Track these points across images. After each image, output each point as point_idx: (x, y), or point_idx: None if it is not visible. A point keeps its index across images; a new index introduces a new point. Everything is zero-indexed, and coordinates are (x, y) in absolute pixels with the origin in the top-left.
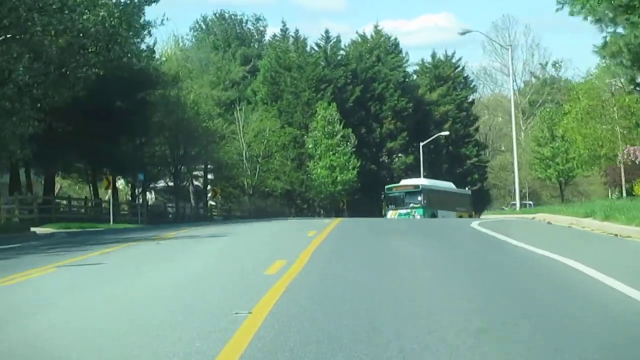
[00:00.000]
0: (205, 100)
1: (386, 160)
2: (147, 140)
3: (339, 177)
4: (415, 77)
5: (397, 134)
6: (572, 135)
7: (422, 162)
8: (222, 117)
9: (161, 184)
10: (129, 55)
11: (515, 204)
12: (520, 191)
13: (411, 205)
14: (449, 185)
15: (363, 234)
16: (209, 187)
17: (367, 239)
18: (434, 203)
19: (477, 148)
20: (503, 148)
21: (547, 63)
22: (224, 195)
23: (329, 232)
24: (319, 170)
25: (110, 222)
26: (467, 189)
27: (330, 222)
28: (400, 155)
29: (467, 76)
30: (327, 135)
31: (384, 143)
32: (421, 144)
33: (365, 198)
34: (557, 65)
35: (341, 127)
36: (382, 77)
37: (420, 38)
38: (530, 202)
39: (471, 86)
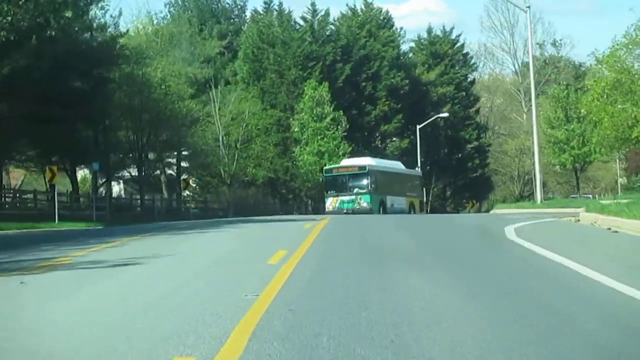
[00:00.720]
0: (177, 78)
1: (380, 145)
2: (111, 124)
3: (328, 165)
4: (410, 55)
5: (392, 117)
6: (597, 115)
7: (419, 147)
8: (196, 98)
9: (134, 173)
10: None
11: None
12: (524, 177)
13: (356, 190)
14: (397, 165)
15: (353, 261)
16: (184, 176)
17: (361, 283)
18: (382, 187)
19: (477, 131)
20: (505, 131)
21: (544, 42)
22: (202, 185)
23: (303, 254)
24: (306, 157)
25: (55, 220)
26: (417, 169)
27: (312, 227)
28: (394, 139)
29: (466, 53)
30: (315, 118)
31: (378, 126)
32: (418, 127)
33: None
34: (557, 44)
35: (331, 109)
36: (375, 54)
37: (410, 22)
38: (589, 195)
39: (471, 64)
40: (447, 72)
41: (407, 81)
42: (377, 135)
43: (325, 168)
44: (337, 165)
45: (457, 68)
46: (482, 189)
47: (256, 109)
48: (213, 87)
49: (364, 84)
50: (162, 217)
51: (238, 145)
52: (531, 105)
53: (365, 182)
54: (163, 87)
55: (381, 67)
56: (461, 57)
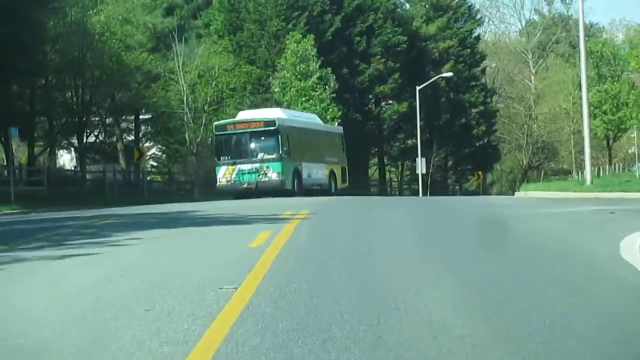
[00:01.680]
0: (132, 27)
1: (374, 109)
2: (50, 82)
3: None
4: (408, 6)
5: (388, 76)
6: None
7: (418, 111)
8: (158, 52)
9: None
10: None
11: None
12: (532, 146)
13: (261, 156)
14: (313, 119)
15: None
16: (147, 144)
17: None
18: (297, 151)
19: (484, 94)
20: (512, 95)
21: None
22: (169, 154)
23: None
24: None
25: None
26: (335, 123)
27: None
28: (391, 102)
29: (471, 5)
30: (299, 76)
31: (372, 87)
32: (417, 88)
33: (347, 157)
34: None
35: (317, 66)
36: (369, 5)
37: None
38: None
39: (477, 18)
40: (450, 26)
41: (404, 37)
42: (370, 97)
43: (216, 124)
44: (232, 120)
45: (461, 22)
46: (488, 159)
47: (228, 64)
48: (176, 38)
49: (356, 38)
50: (114, 193)
51: (206, 108)
52: (539, 67)
53: (274, 143)
54: (107, 33)
55: (376, 20)
56: (465, 10)
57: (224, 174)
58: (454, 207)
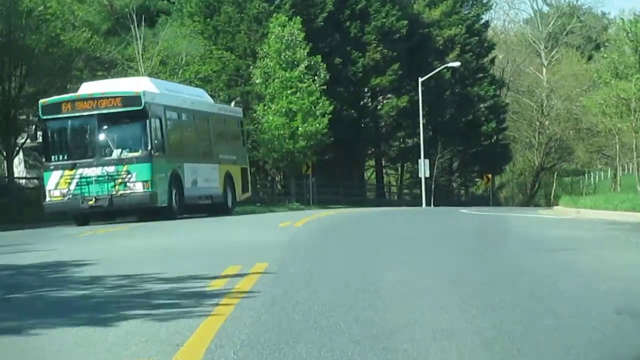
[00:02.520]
0: (86, 5)
1: (370, 104)
2: None
3: (301, 128)
4: None
5: (386, 67)
6: None
7: (421, 106)
8: (116, 35)
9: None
10: None
11: None
12: (544, 145)
13: (118, 154)
14: (200, 96)
15: None
16: None
17: None
18: (176, 146)
19: (493, 87)
20: (522, 88)
21: None
22: None
23: None
24: (271, 118)
25: None
26: (233, 103)
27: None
28: (389, 96)
29: None
30: (283, 65)
31: (367, 79)
32: (419, 80)
33: (341, 158)
34: None
35: (305, 54)
36: None
37: None
38: None
39: (484, 1)
40: (456, 10)
41: (405, 22)
42: (366, 90)
43: (42, 102)
44: (69, 97)
45: (467, 6)
46: (497, 160)
47: (198, 50)
48: (135, 19)
49: (348, 23)
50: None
51: None
52: (552, 58)
53: (139, 132)
54: (41, 9)
55: (371, 3)
56: None
57: (57, 184)
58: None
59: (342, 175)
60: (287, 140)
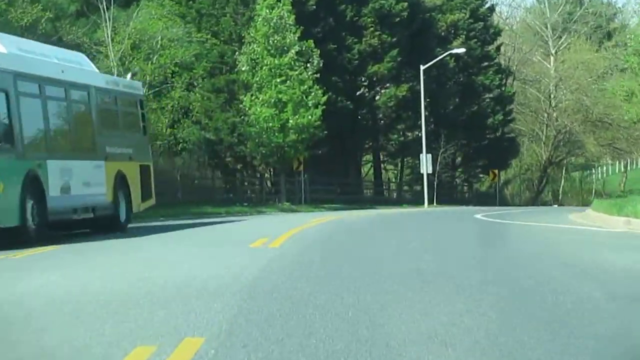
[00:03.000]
0: None
1: (367, 94)
2: None
3: (292, 120)
4: None
5: (384, 53)
6: None
7: (422, 95)
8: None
9: None
10: None
11: None
12: (555, 137)
13: None
14: (77, 61)
15: None
16: None
17: None
18: (34, 136)
19: (499, 76)
20: (529, 78)
21: None
22: None
23: None
24: (259, 109)
25: None
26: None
27: None
28: (388, 85)
29: None
30: (272, 51)
31: (364, 66)
32: (421, 67)
33: (335, 153)
34: None
35: (296, 39)
36: None
37: None
38: None
39: None
40: None
41: (405, 4)
42: (362, 79)
43: None
44: None
45: None
46: (503, 154)
47: (179, 32)
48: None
49: (344, 6)
50: None
51: (146, 93)
52: (560, 46)
53: None
54: None
55: None
56: None
57: None
58: None
59: (337, 172)
60: (276, 134)
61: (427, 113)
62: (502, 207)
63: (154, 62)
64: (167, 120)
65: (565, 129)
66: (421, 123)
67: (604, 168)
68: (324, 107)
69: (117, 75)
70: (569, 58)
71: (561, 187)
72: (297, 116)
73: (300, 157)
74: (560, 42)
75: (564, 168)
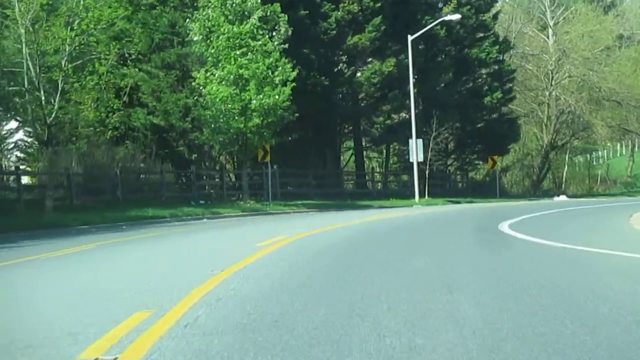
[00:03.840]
0: None
1: (346, 70)
2: None
3: (255, 101)
4: None
5: (366, 22)
6: None
7: (411, 71)
8: None
9: None
10: None
11: None
12: (557, 117)
13: None
14: None
15: None
16: None
17: None
18: None
19: (497, 47)
20: (528, 52)
21: None
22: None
23: None
24: (216, 88)
25: None
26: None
27: None
28: (371, 60)
29: None
30: (230, 17)
31: (343, 37)
32: (409, 38)
33: (309, 140)
34: None
35: (259, 2)
36: None
37: None
38: None
39: None
40: None
41: None
42: (339, 52)
43: None
44: None
45: None
46: (503, 138)
47: None
48: None
49: None
50: None
51: (64, 64)
52: (559, 17)
53: None
54: None
55: None
56: None
57: None
58: None
59: (311, 162)
60: (236, 118)
61: (416, 91)
62: (507, 199)
63: (74, 27)
64: (91, 102)
65: (569, 108)
66: (410, 103)
67: (606, 152)
68: (294, 84)
69: (28, 46)
70: (573, 29)
71: (564, 174)
72: (261, 96)
73: (266, 146)
74: (559, 14)
75: (568, 152)
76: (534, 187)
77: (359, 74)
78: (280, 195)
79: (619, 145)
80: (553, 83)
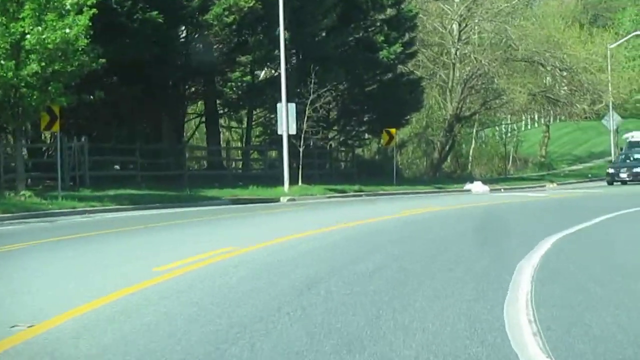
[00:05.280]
0: None
1: (190, 3)
2: None
3: (31, 36)
4: None
5: None
6: None
7: (282, 10)
8: None
9: None
10: None
11: None
12: (465, 83)
13: None
14: None
15: None
16: None
17: None
18: None
19: None
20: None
21: None
22: None
23: None
24: None
25: None
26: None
27: None
28: None
29: None
30: None
31: None
32: None
33: (135, 102)
34: None
35: None
36: None
37: None
38: None
39: None
40: None
41: None
42: None
43: None
44: None
45: None
46: (402, 106)
47: None
48: None
49: None
50: None
51: None
52: None
53: None
54: None
55: None
56: None
57: None
58: None
59: (139, 134)
60: (2, 62)
61: (288, 38)
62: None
63: None
64: None
65: (480, 70)
66: (279, 54)
67: (522, 125)
68: (95, 11)
69: None
70: None
71: (471, 152)
72: (41, 28)
73: (54, 107)
74: None
75: (476, 125)
76: (434, 168)
77: (208, 9)
78: (91, 180)
79: (529, 117)
80: (460, 39)
